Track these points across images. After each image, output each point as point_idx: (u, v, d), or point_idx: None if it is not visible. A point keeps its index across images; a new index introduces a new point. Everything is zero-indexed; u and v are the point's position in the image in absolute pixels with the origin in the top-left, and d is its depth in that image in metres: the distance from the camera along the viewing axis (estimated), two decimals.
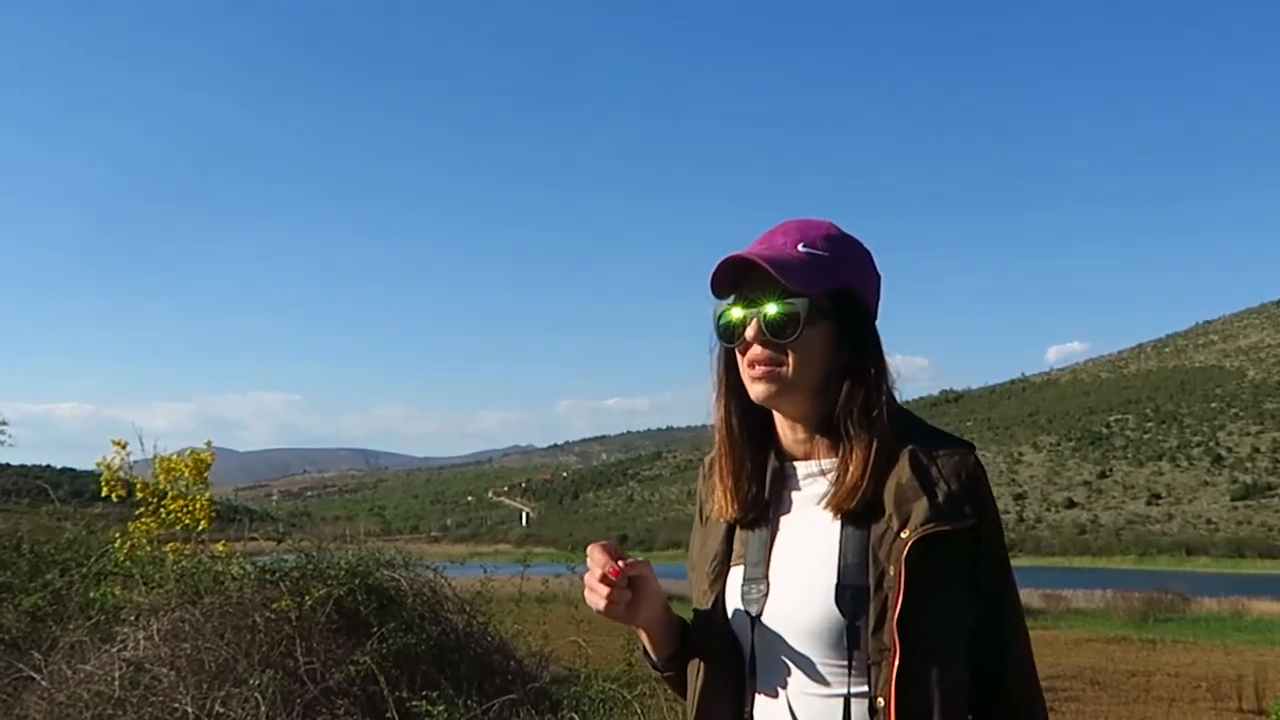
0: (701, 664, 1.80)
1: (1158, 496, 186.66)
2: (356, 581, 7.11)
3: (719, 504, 1.84)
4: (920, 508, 1.63)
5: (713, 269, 1.74)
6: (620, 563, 1.71)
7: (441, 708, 6.29)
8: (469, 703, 6.55)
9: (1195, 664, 24.59)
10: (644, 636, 1.87)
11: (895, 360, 1.78)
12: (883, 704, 1.59)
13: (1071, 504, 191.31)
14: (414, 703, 6.45)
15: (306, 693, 6.61)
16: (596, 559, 1.72)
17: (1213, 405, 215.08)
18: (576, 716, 6.41)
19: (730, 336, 1.78)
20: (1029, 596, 45.99)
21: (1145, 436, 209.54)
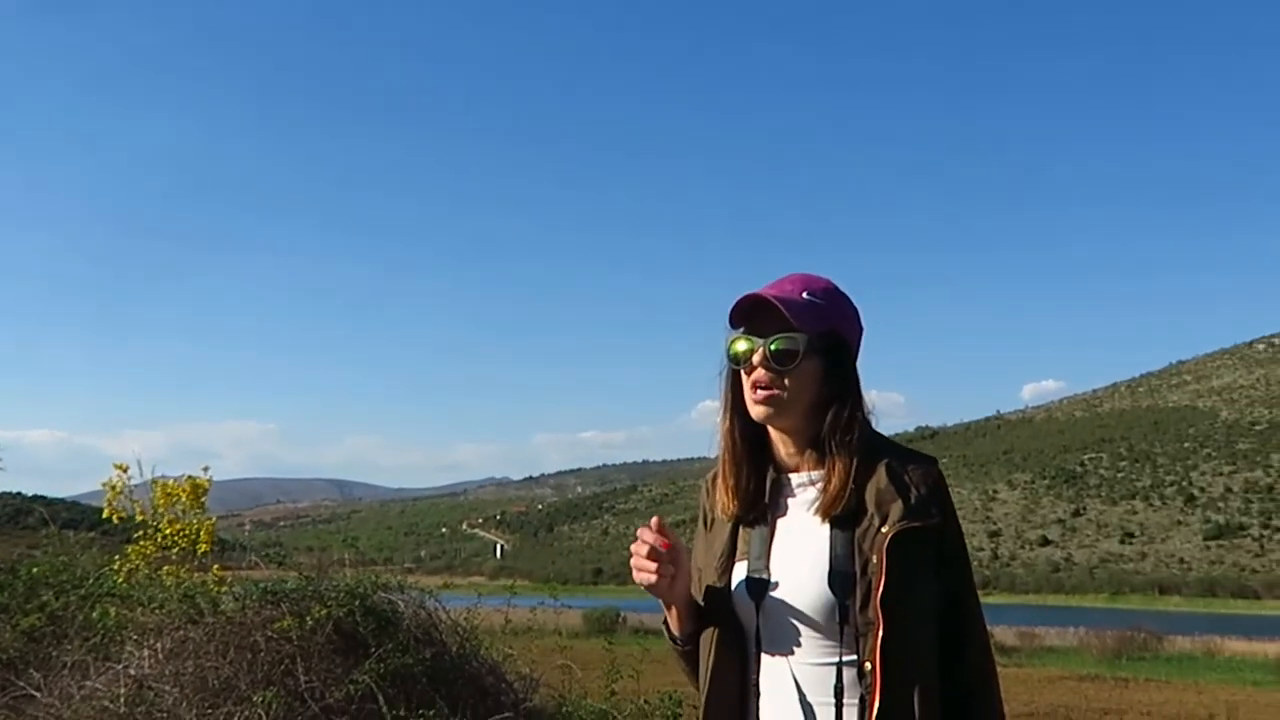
0: (713, 642, 2.17)
1: (1131, 535, 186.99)
2: (356, 603, 7.34)
3: (723, 504, 2.23)
4: (897, 508, 2.04)
5: (734, 302, 2.14)
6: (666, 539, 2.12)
7: None
8: None
9: (1168, 703, 24.82)
10: (671, 613, 2.24)
11: (872, 395, 2.22)
12: (869, 668, 1.98)
13: (1046, 542, 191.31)
14: None
15: (307, 710, 6.82)
16: (647, 538, 2.12)
17: (1186, 445, 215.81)
18: None
19: (738, 361, 2.18)
20: (1004, 634, 46.23)
21: (1119, 475, 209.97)
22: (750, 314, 2.15)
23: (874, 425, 2.18)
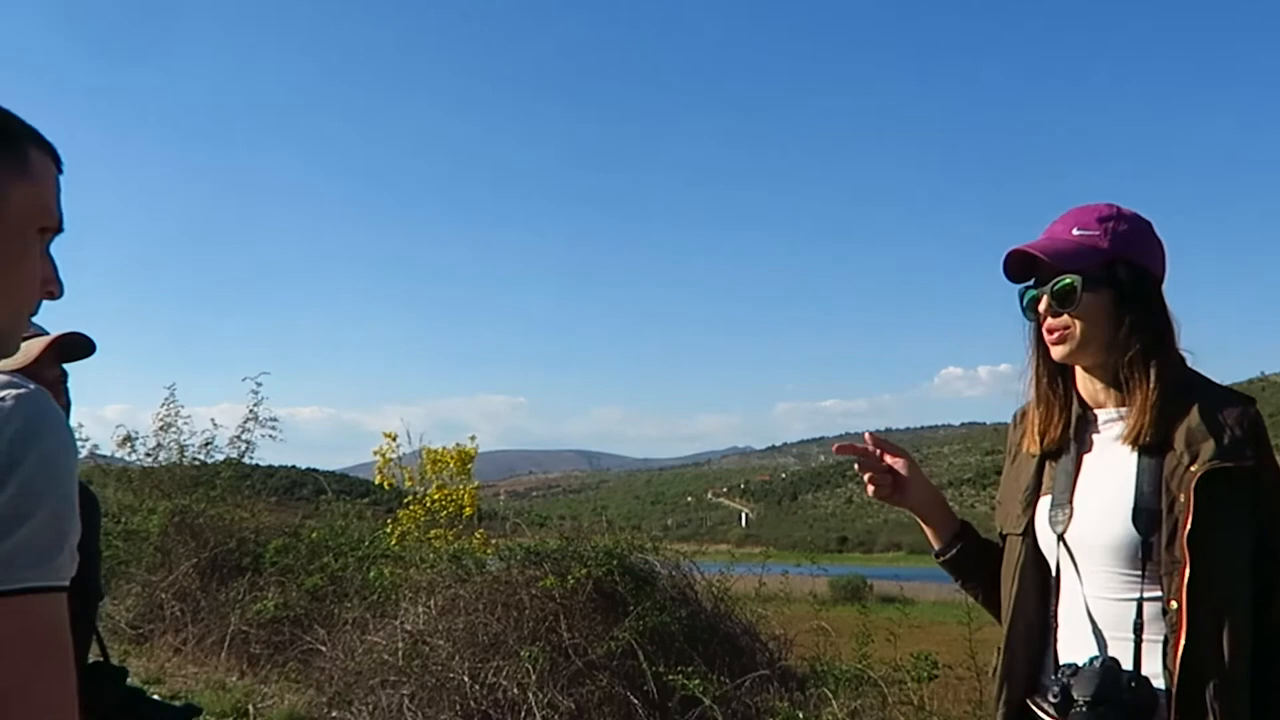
0: (1015, 574, 2.21)
1: None
2: (614, 563, 7.60)
3: (1030, 441, 2.25)
4: (1208, 447, 1.97)
5: (1002, 261, 2.17)
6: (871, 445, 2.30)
7: (697, 682, 6.71)
8: (721, 679, 6.95)
9: None
10: (921, 524, 2.37)
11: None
12: (1175, 606, 1.94)
13: None
14: (670, 677, 6.89)
15: (571, 665, 7.12)
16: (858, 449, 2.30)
17: None
18: (828, 692, 6.71)
19: (1028, 313, 2.21)
20: None
21: None
22: (1030, 266, 2.17)
23: (1189, 363, 2.13)
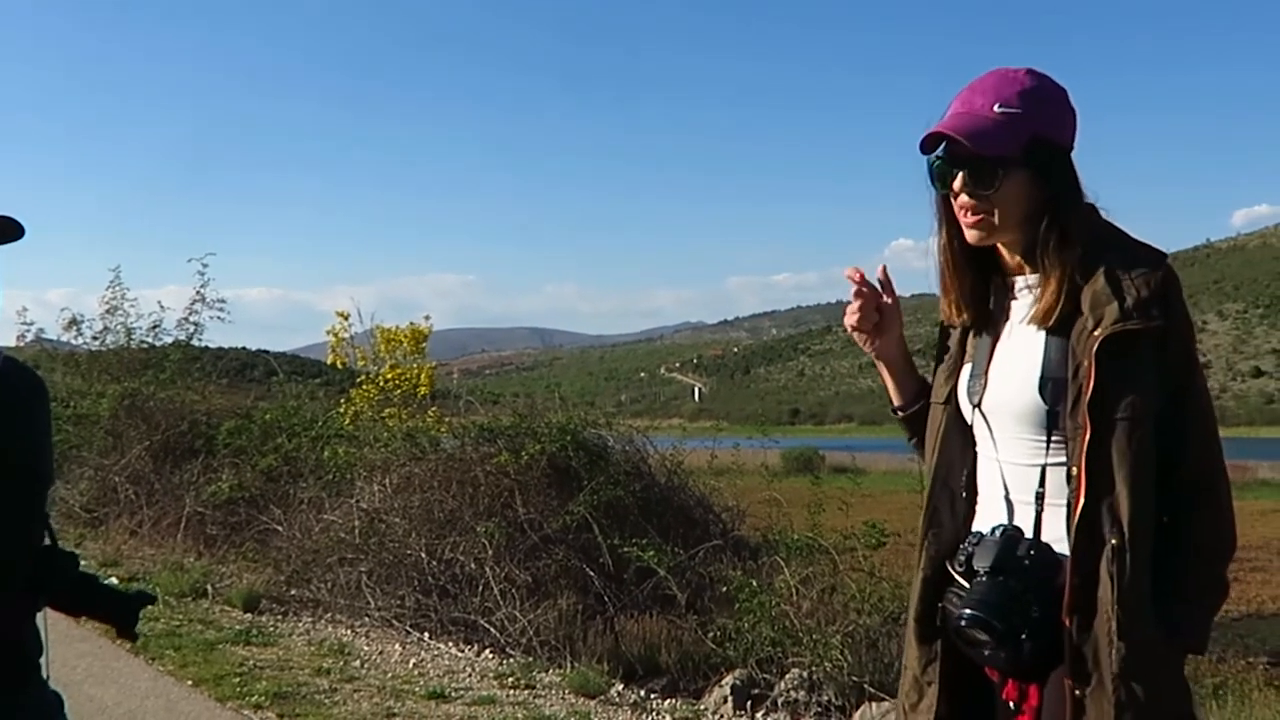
0: (936, 443, 2.24)
1: None
2: (568, 439, 7.65)
3: (947, 313, 2.25)
4: (1111, 310, 1.95)
5: (920, 141, 2.09)
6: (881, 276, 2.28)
7: (651, 553, 6.82)
8: (675, 550, 7.06)
9: None
10: (886, 376, 2.37)
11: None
12: (1075, 472, 1.96)
13: (1259, 373, 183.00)
14: (625, 549, 7.00)
15: (527, 540, 7.21)
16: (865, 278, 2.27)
17: None
18: (780, 560, 6.83)
19: (941, 185, 2.13)
20: None
21: None
22: (942, 138, 2.08)
23: (1102, 214, 2.10)
